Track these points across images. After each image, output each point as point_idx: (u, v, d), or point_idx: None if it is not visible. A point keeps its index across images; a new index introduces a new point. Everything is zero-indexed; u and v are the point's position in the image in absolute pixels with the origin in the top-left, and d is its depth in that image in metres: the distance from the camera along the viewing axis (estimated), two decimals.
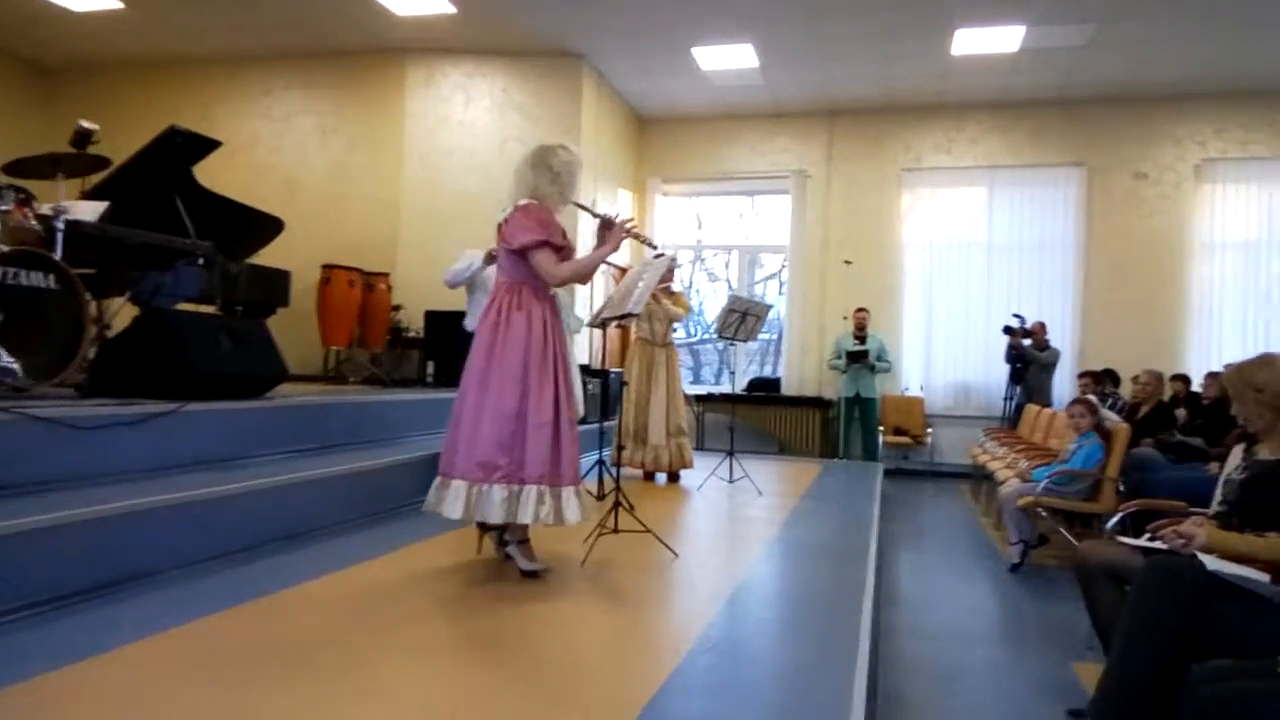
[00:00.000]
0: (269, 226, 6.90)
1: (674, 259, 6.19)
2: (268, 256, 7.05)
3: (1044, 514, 4.72)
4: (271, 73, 8.59)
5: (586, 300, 8.15)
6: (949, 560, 5.33)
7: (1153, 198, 8.78)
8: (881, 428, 8.96)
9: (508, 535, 3.27)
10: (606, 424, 7.21)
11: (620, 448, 5.52)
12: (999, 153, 9.15)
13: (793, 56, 7.97)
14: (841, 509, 5.30)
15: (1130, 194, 8.83)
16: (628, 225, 3.39)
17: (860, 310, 8.91)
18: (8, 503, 2.76)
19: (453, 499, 3.13)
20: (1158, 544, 2.43)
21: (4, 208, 3.57)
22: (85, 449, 3.23)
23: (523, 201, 3.26)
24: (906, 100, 9.04)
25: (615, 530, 3.69)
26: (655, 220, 9.90)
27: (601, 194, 8.70)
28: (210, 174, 7.46)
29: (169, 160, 5.89)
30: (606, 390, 7.80)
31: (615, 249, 3.35)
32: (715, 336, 6.12)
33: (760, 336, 11.03)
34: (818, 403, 9.21)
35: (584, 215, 4.29)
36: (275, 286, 7.31)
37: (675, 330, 6.48)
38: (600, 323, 4.14)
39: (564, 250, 3.28)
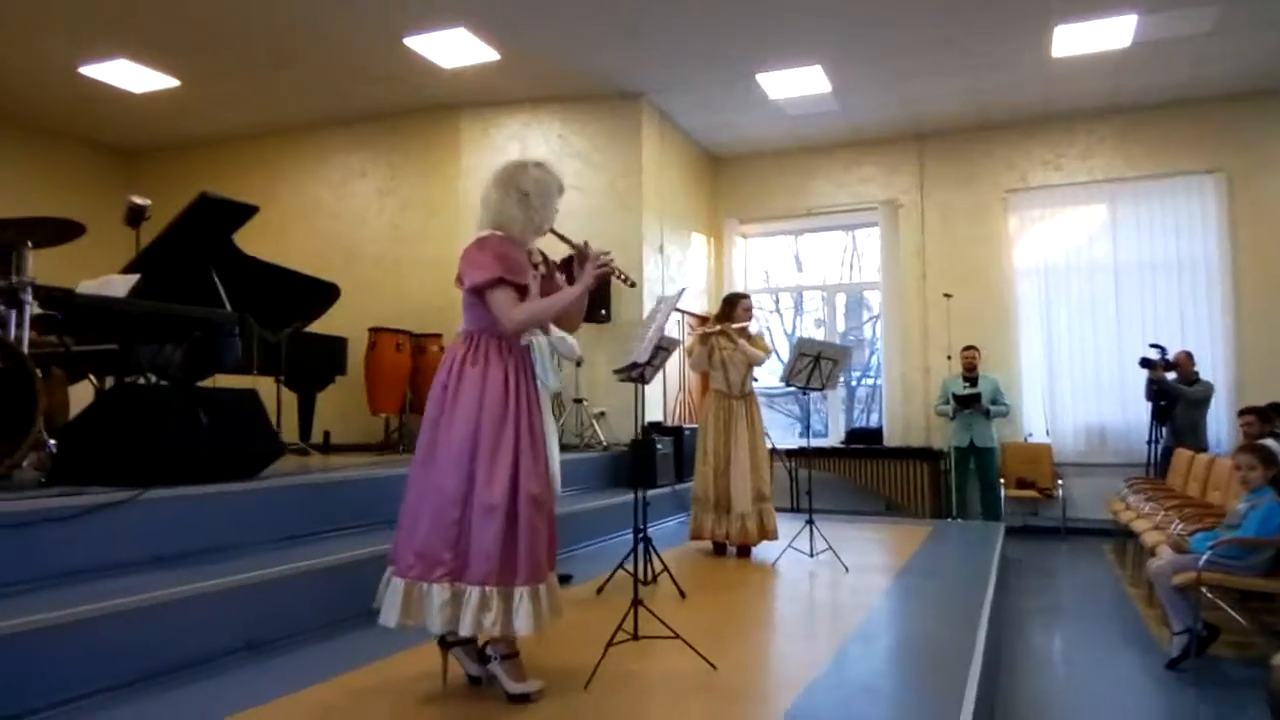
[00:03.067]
0: (324, 293, 6.64)
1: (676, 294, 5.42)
2: (330, 325, 6.78)
3: (1209, 594, 3.70)
4: (329, 138, 8.48)
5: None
6: (1091, 649, 4.31)
7: None
8: (1003, 480, 7.87)
9: (490, 650, 2.59)
10: (653, 490, 6.52)
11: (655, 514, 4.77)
12: (1118, 165, 8.07)
13: (867, 75, 7.23)
14: (946, 590, 4.36)
15: None
16: (601, 258, 2.72)
17: (969, 349, 7.91)
18: None
19: (390, 599, 2.53)
20: None
21: None
22: (14, 550, 2.77)
23: (483, 233, 2.68)
24: (1004, 114, 8.12)
25: (635, 637, 2.95)
26: (734, 263, 9.22)
27: (669, 239, 8.12)
28: (274, 243, 7.30)
29: (206, 229, 5.68)
30: (680, 451, 7.11)
31: (590, 287, 2.70)
32: (787, 385, 5.32)
33: (863, 382, 10.17)
34: (926, 454, 8.20)
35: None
36: (331, 354, 7.02)
37: (755, 379, 5.73)
38: (625, 378, 3.50)
39: (527, 290, 2.66)
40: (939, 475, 8.14)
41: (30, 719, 2.36)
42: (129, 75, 7.19)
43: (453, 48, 6.67)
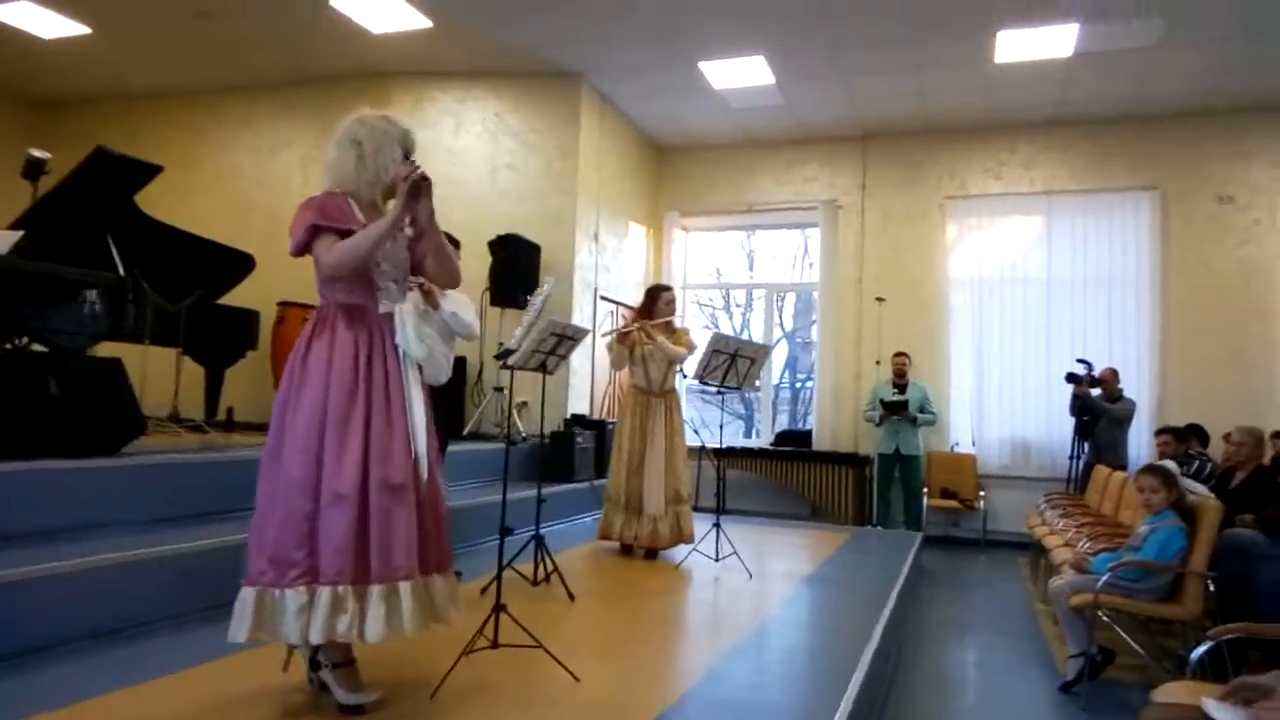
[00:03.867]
0: (237, 263, 6.31)
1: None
2: (246, 298, 6.47)
3: (1106, 617, 3.62)
4: (255, 103, 8.11)
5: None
6: (990, 667, 4.24)
7: (1242, 225, 7.55)
8: (926, 489, 7.83)
9: (321, 655, 2.36)
10: (570, 485, 6.29)
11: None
12: (1058, 176, 8.06)
13: (811, 70, 7.09)
14: (847, 600, 4.25)
15: (1214, 220, 7.62)
16: (403, 173, 2.39)
17: (899, 355, 7.86)
18: None
19: (239, 611, 2.23)
20: None
21: None
22: None
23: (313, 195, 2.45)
24: (948, 119, 8.06)
25: (495, 645, 2.75)
26: (673, 256, 9.05)
27: (605, 227, 7.91)
28: (194, 209, 6.92)
29: (103, 188, 5.33)
30: (602, 446, 6.90)
31: (404, 209, 2.38)
32: (701, 383, 5.15)
33: (807, 384, 10.08)
34: (852, 460, 8.12)
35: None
36: (242, 328, 6.68)
37: (683, 375, 5.55)
38: (503, 365, 3.31)
39: (351, 235, 2.38)
40: (864, 481, 8.08)
41: None
42: (35, 19, 6.74)
43: (381, 11, 6.36)
